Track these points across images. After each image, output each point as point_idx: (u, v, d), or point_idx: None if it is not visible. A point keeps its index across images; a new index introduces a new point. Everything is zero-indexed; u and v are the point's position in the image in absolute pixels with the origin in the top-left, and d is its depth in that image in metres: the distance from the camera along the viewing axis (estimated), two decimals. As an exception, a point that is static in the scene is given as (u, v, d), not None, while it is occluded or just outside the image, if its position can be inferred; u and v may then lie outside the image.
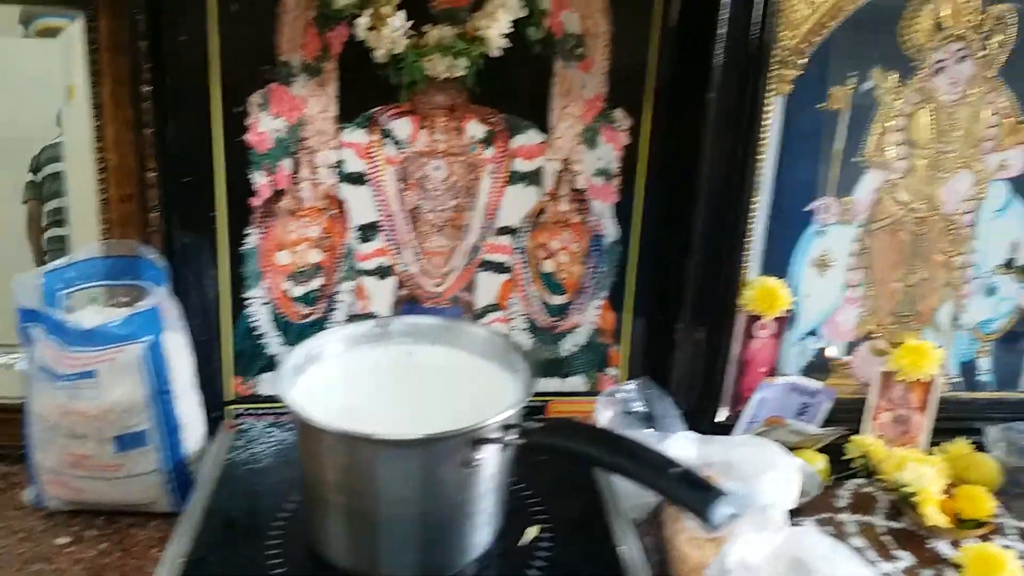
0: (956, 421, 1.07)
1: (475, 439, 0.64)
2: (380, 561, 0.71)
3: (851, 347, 1.08)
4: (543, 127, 0.96)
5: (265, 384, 1.01)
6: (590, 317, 1.04)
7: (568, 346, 1.05)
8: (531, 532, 0.78)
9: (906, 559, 0.88)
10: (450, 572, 0.72)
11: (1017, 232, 1.05)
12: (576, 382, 1.06)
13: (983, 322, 1.09)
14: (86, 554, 0.81)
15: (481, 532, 0.74)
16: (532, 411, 1.03)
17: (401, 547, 0.71)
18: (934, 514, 0.89)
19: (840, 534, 0.91)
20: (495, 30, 0.85)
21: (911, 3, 0.95)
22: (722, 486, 0.62)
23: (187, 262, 0.95)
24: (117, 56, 0.87)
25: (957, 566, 0.85)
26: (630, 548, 0.78)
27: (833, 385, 1.09)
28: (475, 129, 0.95)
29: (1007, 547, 0.89)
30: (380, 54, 0.86)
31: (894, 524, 0.93)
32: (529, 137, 0.96)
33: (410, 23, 0.85)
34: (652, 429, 0.95)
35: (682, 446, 0.88)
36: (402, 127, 0.94)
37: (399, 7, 0.85)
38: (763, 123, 0.95)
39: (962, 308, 1.08)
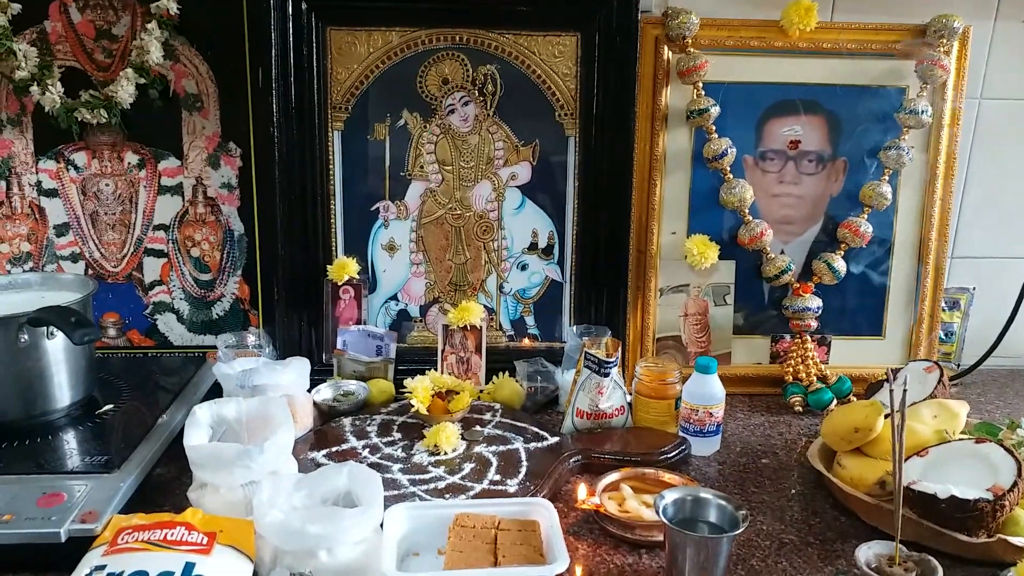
0: (511, 362, 1.46)
1: (19, 322, 1.07)
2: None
3: (424, 309, 1.49)
4: (179, 155, 1.42)
5: None
6: (231, 289, 1.47)
7: (218, 311, 1.48)
8: (106, 407, 1.20)
9: (397, 435, 1.26)
10: (39, 413, 1.15)
11: (534, 223, 1.47)
12: (225, 338, 1.47)
13: (521, 290, 1.50)
14: None
15: (62, 393, 1.16)
16: (192, 359, 1.46)
17: (5, 398, 1.13)
18: (417, 404, 1.27)
19: (365, 424, 1.29)
20: (123, 92, 1.32)
21: (423, 65, 1.40)
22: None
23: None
24: None
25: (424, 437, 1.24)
26: (170, 416, 1.19)
27: (416, 337, 1.50)
28: (131, 157, 1.41)
29: (473, 426, 1.27)
30: (48, 110, 1.33)
31: (411, 420, 1.32)
32: (170, 162, 1.42)
33: (62, 90, 1.33)
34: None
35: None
36: (80, 157, 1.40)
37: (61, 80, 1.33)
38: (328, 151, 1.41)
39: (504, 280, 1.49)
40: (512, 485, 1.12)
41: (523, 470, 1.16)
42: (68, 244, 1.43)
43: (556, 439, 1.25)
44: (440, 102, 1.41)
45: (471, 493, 1.10)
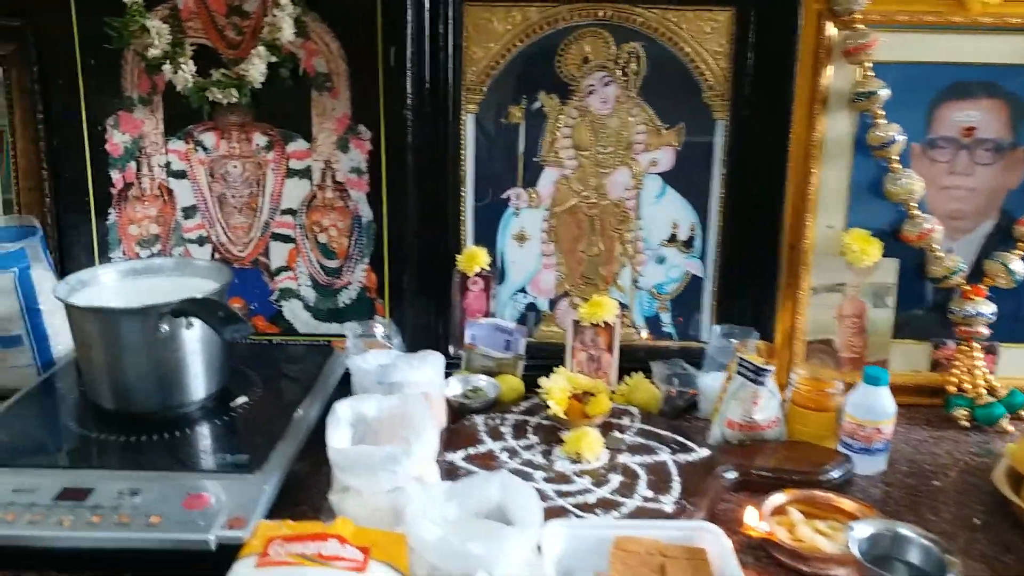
0: (643, 361, 1.38)
1: (160, 312, 1.04)
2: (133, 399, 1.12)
3: (553, 303, 1.41)
4: (308, 137, 1.37)
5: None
6: (358, 277, 1.42)
7: (344, 299, 1.43)
8: (240, 399, 1.16)
9: (533, 439, 1.19)
10: (176, 405, 1.12)
11: (674, 214, 1.37)
12: (353, 327, 1.42)
13: (657, 285, 1.40)
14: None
15: (198, 384, 1.13)
16: (318, 348, 1.41)
17: (142, 389, 1.11)
18: (554, 407, 1.20)
19: (498, 423, 1.23)
20: (254, 71, 1.27)
21: (563, 43, 1.31)
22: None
23: (70, 232, 1.39)
24: (22, 95, 1.34)
25: (563, 441, 1.17)
26: (305, 410, 1.15)
27: (545, 332, 1.43)
28: (259, 139, 1.37)
29: (610, 431, 1.19)
30: (179, 89, 1.29)
31: (545, 421, 1.25)
32: (299, 144, 1.37)
33: (194, 69, 1.28)
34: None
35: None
36: (208, 138, 1.37)
37: (192, 59, 1.29)
38: (460, 135, 1.33)
39: (639, 273, 1.40)
40: (667, 503, 1.04)
41: (676, 486, 1.07)
42: (195, 227, 1.40)
43: (706, 451, 1.16)
44: (579, 82, 1.32)
45: (624, 510, 1.02)
